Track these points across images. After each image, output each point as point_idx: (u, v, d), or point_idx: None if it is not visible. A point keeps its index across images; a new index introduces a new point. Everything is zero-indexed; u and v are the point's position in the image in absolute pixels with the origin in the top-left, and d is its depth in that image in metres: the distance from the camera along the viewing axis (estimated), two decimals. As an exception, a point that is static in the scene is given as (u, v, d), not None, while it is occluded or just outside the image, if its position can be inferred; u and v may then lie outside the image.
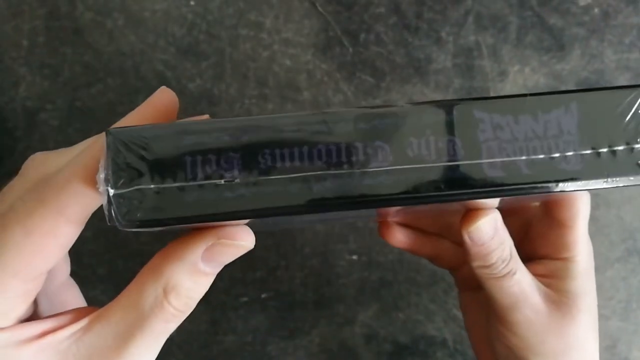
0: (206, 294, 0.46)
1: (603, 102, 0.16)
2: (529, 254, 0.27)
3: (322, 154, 0.16)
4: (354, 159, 0.16)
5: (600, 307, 0.44)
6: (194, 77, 0.43)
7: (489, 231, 0.22)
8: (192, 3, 0.43)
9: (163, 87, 0.22)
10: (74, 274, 0.43)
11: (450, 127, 0.16)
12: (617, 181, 0.16)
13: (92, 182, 0.17)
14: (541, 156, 0.16)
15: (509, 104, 0.16)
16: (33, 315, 0.20)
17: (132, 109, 0.42)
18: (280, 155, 0.16)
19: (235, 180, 0.16)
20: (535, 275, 0.26)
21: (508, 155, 0.16)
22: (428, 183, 0.16)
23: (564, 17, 0.43)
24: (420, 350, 0.44)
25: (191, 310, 0.20)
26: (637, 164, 0.16)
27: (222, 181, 0.16)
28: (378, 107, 0.16)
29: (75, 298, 0.25)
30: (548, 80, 0.43)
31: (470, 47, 0.43)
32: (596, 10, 0.43)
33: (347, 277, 0.43)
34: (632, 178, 0.16)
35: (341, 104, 0.43)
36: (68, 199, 0.18)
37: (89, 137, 0.43)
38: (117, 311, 0.19)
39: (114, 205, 0.17)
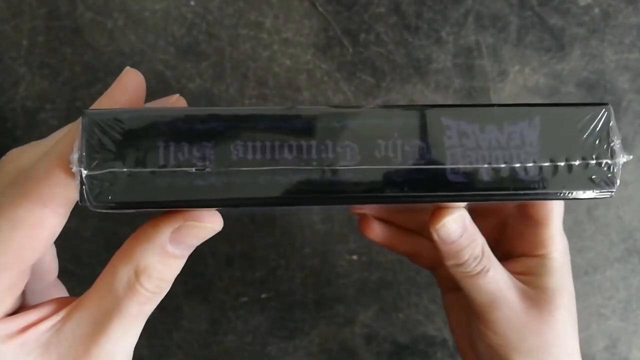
0: (206, 293, 0.46)
1: (565, 118, 0.17)
2: (506, 253, 0.28)
3: (292, 149, 0.16)
4: (323, 156, 0.16)
5: (600, 307, 0.44)
6: (194, 77, 0.43)
7: (457, 229, 0.22)
8: (192, 3, 0.43)
9: (128, 68, 0.21)
10: (73, 274, 0.43)
11: (417, 131, 0.16)
12: (571, 194, 0.17)
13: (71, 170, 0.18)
14: (502, 165, 0.16)
15: (477, 112, 0.16)
16: (20, 309, 0.20)
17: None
18: (252, 148, 0.16)
19: (207, 169, 0.16)
20: (513, 273, 0.26)
21: (471, 163, 0.16)
22: (392, 184, 0.16)
23: (564, 17, 0.43)
24: (420, 350, 0.44)
25: (165, 292, 0.20)
26: (591, 179, 0.17)
27: (194, 169, 0.16)
28: (350, 107, 0.17)
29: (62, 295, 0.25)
30: (548, 80, 0.43)
31: (470, 47, 0.43)
32: (596, 10, 0.43)
33: (347, 277, 0.43)
34: (585, 192, 0.17)
35: (341, 104, 0.43)
36: (51, 189, 0.18)
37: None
38: (93, 298, 0.19)
39: (86, 186, 0.17)
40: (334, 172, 0.16)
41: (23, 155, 0.21)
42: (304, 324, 0.44)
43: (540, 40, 0.43)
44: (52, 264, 0.24)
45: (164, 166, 0.16)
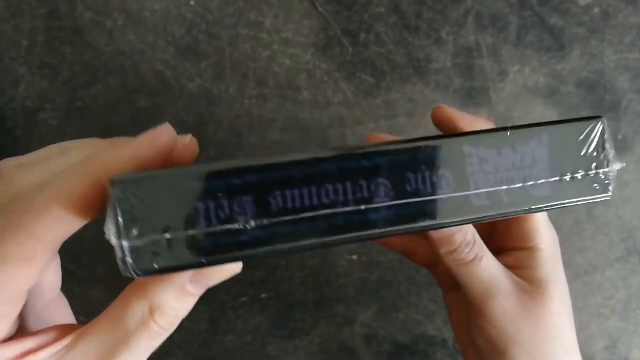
0: (206, 293, 0.46)
1: (568, 134, 0.18)
2: (498, 248, 0.28)
3: (329, 192, 0.16)
4: (359, 196, 0.16)
5: (600, 306, 0.45)
6: (194, 77, 0.43)
7: None
8: (192, 3, 0.43)
9: (165, 127, 0.20)
10: (73, 274, 0.43)
11: (443, 162, 0.17)
12: (573, 203, 0.18)
13: (76, 209, 0.17)
14: (519, 185, 0.18)
15: (494, 138, 0.18)
16: (18, 333, 0.19)
17: (132, 108, 0.43)
18: (290, 196, 0.16)
19: (249, 225, 0.16)
20: (506, 267, 0.26)
21: (491, 186, 0.18)
22: (425, 215, 0.17)
23: (564, 17, 0.43)
24: (420, 350, 0.44)
25: (174, 329, 0.20)
26: (591, 187, 0.18)
27: (237, 226, 0.16)
28: (379, 145, 0.17)
29: (64, 314, 0.24)
30: (548, 80, 0.43)
31: (470, 47, 0.43)
32: (596, 10, 0.43)
33: (347, 277, 0.43)
34: (589, 198, 0.19)
35: (341, 104, 0.43)
36: (47, 225, 0.17)
37: (89, 137, 0.43)
38: (101, 328, 0.18)
39: (129, 258, 0.16)
40: (372, 210, 0.17)
41: (18, 176, 0.19)
42: (304, 324, 0.44)
43: (540, 40, 0.43)
44: (54, 280, 0.23)
45: (206, 227, 0.16)
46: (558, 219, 0.44)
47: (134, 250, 0.16)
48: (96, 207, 0.17)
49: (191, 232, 0.16)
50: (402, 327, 0.44)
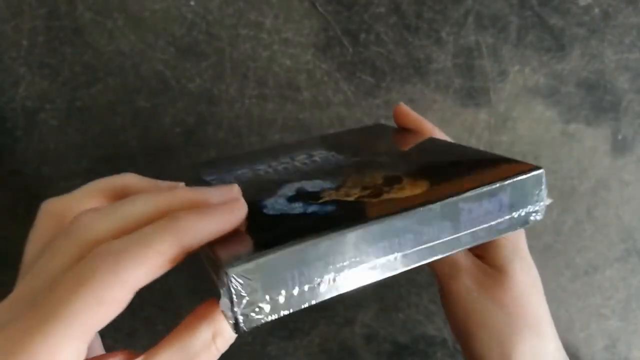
0: (206, 293, 0.45)
1: (523, 183, 0.25)
2: None
3: (373, 253, 0.22)
4: (394, 248, 0.23)
5: (599, 306, 0.45)
6: (194, 77, 0.43)
7: None
8: (192, 3, 0.43)
9: (238, 198, 0.22)
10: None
11: (446, 216, 0.23)
12: (520, 228, 0.25)
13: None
14: (491, 224, 0.24)
15: (479, 193, 0.24)
16: None
17: (132, 108, 0.43)
18: (354, 264, 0.22)
19: (321, 286, 0.22)
20: (473, 254, 0.29)
21: (474, 227, 0.24)
22: (433, 254, 0.23)
23: (564, 17, 0.43)
24: (420, 350, 0.44)
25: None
26: (531, 216, 0.25)
27: (315, 284, 0.21)
28: (404, 212, 0.22)
29: (99, 346, 0.25)
30: (548, 80, 0.43)
31: (470, 47, 0.43)
32: (596, 10, 0.43)
33: (347, 277, 0.44)
34: (527, 225, 0.26)
35: (341, 104, 0.43)
36: (84, 321, 0.18)
37: (89, 137, 0.43)
38: (171, 349, 0.20)
39: (241, 322, 0.20)
40: (402, 256, 0.23)
41: (96, 223, 0.20)
42: (304, 323, 0.44)
43: (540, 40, 0.43)
44: (96, 351, 0.24)
45: (293, 289, 0.21)
46: (558, 219, 0.44)
47: (244, 316, 0.20)
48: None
49: (284, 296, 0.21)
50: (402, 327, 0.44)
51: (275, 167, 0.29)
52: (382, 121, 0.43)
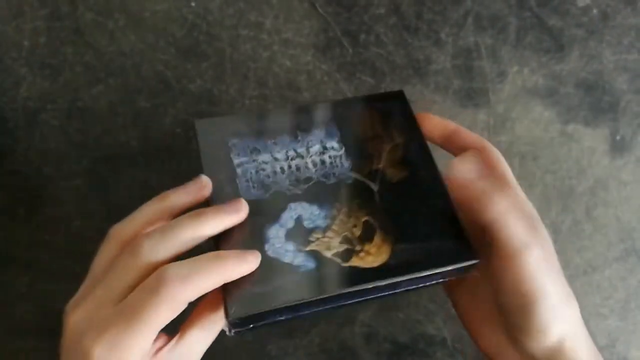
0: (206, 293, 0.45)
1: (460, 268, 0.29)
2: None
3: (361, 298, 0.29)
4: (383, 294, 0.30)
5: (598, 306, 0.45)
6: (195, 78, 0.43)
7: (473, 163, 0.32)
8: (192, 4, 0.43)
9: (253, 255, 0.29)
10: (74, 274, 0.43)
11: (389, 286, 0.29)
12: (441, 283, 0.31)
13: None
14: (427, 283, 0.30)
15: (424, 276, 0.29)
16: None
17: (133, 109, 0.43)
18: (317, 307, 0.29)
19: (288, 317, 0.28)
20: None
21: (410, 287, 0.30)
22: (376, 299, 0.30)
23: (563, 18, 0.44)
24: (420, 349, 0.44)
25: None
26: (462, 272, 0.30)
27: (283, 318, 0.28)
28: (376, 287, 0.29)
29: None
30: (547, 80, 0.44)
31: (469, 47, 0.43)
32: (595, 11, 0.44)
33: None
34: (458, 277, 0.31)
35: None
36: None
37: (90, 137, 0.43)
38: (197, 325, 0.29)
39: (234, 334, 0.28)
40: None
41: (146, 248, 0.27)
42: (304, 323, 0.44)
43: (539, 41, 0.44)
44: None
45: (267, 320, 0.28)
46: (557, 218, 0.44)
47: (237, 332, 0.28)
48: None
49: (260, 324, 0.28)
50: (402, 326, 0.44)
51: (291, 160, 0.32)
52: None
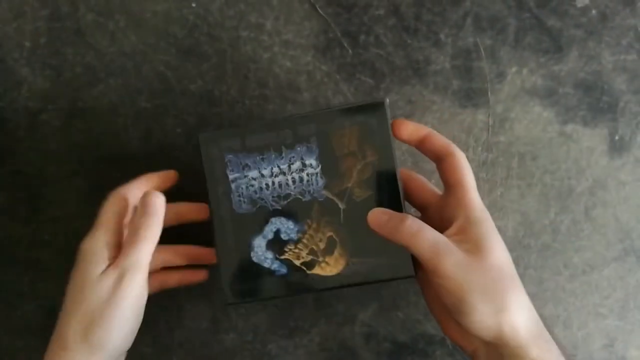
0: (207, 292, 0.46)
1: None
2: (443, 227, 0.35)
3: None
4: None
5: (597, 306, 0.45)
6: (195, 78, 0.43)
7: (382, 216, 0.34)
8: (193, 5, 0.43)
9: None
10: (75, 274, 0.43)
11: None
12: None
13: None
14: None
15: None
16: None
17: (134, 109, 0.43)
18: None
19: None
20: (450, 235, 0.33)
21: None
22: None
23: (562, 18, 0.44)
24: (420, 349, 0.44)
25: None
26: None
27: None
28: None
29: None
30: (546, 81, 0.44)
31: (468, 48, 0.43)
32: (594, 12, 0.44)
33: (347, 277, 0.44)
34: None
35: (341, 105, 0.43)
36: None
37: (91, 138, 0.43)
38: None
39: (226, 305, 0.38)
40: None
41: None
42: (304, 322, 0.44)
43: (538, 42, 0.44)
44: None
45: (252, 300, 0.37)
46: (556, 218, 0.44)
47: (227, 305, 0.37)
48: None
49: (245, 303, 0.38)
50: (402, 326, 0.44)
51: (274, 177, 0.36)
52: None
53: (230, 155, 0.36)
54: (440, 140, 0.35)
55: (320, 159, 0.36)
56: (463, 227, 0.33)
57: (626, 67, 0.44)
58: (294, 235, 0.36)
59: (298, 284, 0.36)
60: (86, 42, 0.43)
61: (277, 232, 0.36)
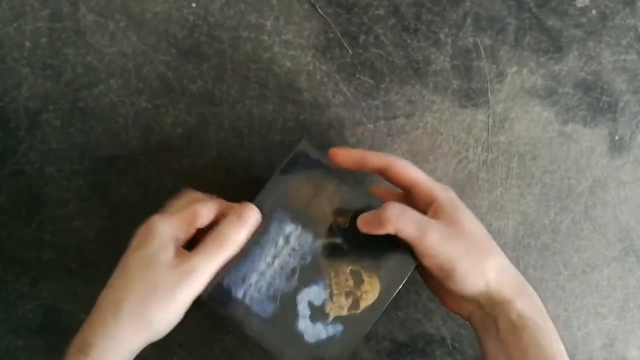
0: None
1: None
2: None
3: None
4: None
5: (597, 305, 0.45)
6: (196, 79, 0.43)
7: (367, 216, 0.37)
8: (193, 5, 0.43)
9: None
10: (76, 273, 0.44)
11: None
12: None
13: None
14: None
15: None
16: None
17: (134, 109, 0.43)
18: None
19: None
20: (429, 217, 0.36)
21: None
22: None
23: (562, 18, 0.44)
24: (419, 348, 0.44)
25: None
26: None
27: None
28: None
29: None
30: (546, 81, 0.44)
31: (468, 48, 0.43)
32: (593, 12, 0.44)
33: (347, 276, 0.44)
34: None
35: (341, 105, 0.43)
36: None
37: (91, 138, 0.43)
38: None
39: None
40: None
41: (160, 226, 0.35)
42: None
43: (538, 42, 0.44)
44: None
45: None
46: (555, 218, 0.44)
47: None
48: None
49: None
50: (401, 325, 0.44)
51: (273, 266, 0.37)
52: (381, 122, 0.44)
53: (228, 277, 0.37)
54: (375, 156, 0.37)
55: (295, 218, 0.37)
56: (435, 210, 0.36)
57: (626, 67, 0.44)
58: (324, 295, 0.36)
59: (359, 328, 0.36)
60: (87, 43, 0.43)
61: (311, 304, 0.36)
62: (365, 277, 0.36)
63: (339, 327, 0.36)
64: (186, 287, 0.33)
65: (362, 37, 0.43)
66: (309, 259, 0.37)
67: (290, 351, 0.36)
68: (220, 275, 0.36)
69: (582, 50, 0.44)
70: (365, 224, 0.36)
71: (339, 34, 0.43)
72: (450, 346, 0.44)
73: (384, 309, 0.36)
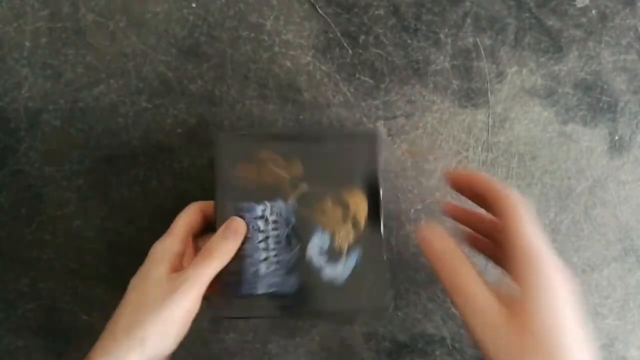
0: (208, 292, 0.46)
1: None
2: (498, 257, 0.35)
3: None
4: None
5: (597, 305, 0.45)
6: (196, 79, 0.43)
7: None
8: (193, 5, 0.43)
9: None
10: (76, 273, 0.43)
11: None
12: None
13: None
14: None
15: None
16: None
17: (135, 109, 0.43)
18: None
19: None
20: (505, 269, 0.31)
21: None
22: None
23: (562, 18, 0.44)
24: (419, 348, 0.44)
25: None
26: None
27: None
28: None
29: None
30: (545, 81, 0.44)
31: (468, 48, 0.43)
32: (593, 12, 0.44)
33: (347, 276, 0.44)
34: None
35: (341, 105, 0.43)
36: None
37: (91, 138, 0.43)
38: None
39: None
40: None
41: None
42: (304, 322, 0.44)
43: (537, 42, 0.44)
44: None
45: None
46: (555, 218, 0.44)
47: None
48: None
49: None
50: (401, 325, 0.44)
51: (267, 235, 0.37)
52: (381, 122, 0.44)
53: (241, 289, 0.38)
54: (491, 185, 0.31)
55: (258, 200, 0.37)
56: (512, 270, 0.28)
57: (626, 67, 0.44)
58: (327, 236, 0.37)
59: (375, 243, 0.36)
60: (87, 43, 0.43)
61: (321, 250, 0.37)
62: (346, 196, 0.37)
63: (358, 252, 0.36)
64: (176, 299, 0.33)
65: (362, 37, 0.43)
66: (293, 219, 0.37)
67: (334, 303, 0.36)
68: (233, 293, 0.37)
69: (582, 50, 0.44)
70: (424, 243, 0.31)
71: (339, 34, 0.43)
72: (450, 346, 0.44)
73: (382, 210, 0.36)
